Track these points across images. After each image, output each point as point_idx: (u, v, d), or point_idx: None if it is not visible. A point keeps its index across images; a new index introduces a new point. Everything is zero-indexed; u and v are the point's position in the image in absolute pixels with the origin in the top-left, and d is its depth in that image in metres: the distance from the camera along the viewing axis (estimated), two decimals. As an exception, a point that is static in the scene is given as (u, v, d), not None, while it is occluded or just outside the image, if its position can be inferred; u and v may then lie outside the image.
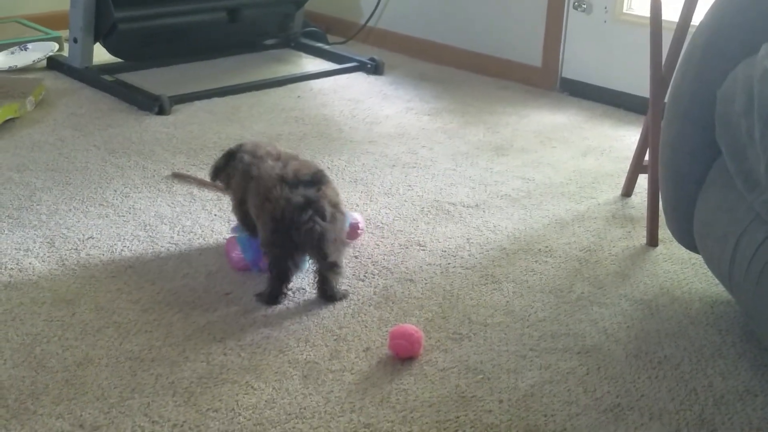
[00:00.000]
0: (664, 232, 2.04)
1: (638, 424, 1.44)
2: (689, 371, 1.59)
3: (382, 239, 2.06)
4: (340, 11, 3.99)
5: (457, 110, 3.05)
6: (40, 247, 1.96)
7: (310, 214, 1.67)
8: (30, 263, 1.89)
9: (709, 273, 1.89)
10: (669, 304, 1.82)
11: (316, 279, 1.78)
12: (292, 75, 3.31)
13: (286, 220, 1.68)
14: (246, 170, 1.84)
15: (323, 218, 1.68)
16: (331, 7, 4.01)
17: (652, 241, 2.08)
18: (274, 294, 1.76)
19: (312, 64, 3.53)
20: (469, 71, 3.51)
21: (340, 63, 3.48)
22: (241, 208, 1.88)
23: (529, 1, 3.29)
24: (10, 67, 3.23)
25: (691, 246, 1.80)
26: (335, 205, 1.74)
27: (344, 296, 1.79)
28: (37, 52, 3.34)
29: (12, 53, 3.33)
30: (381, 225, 2.14)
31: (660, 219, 2.03)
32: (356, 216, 2.02)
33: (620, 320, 1.75)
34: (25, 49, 3.36)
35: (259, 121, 2.84)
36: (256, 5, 3.49)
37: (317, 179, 1.75)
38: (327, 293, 1.77)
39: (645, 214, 2.14)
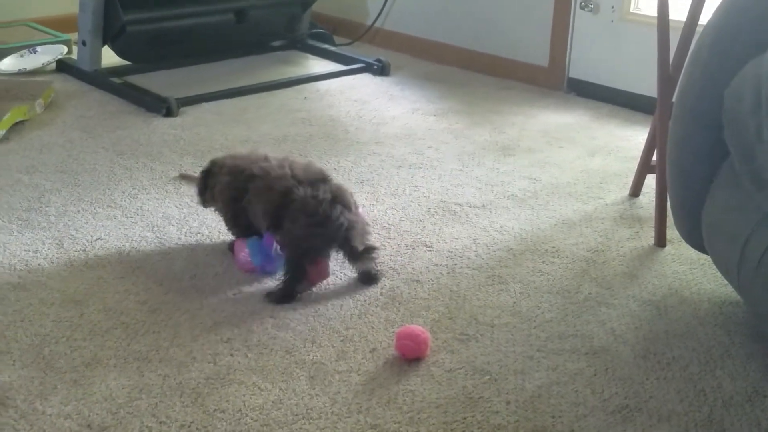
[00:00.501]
0: (672, 232, 2.03)
1: (646, 425, 1.44)
2: (698, 372, 1.58)
3: (389, 240, 2.06)
4: (346, 12, 4.00)
5: (463, 110, 3.05)
6: (48, 249, 1.97)
7: (340, 209, 1.75)
8: (39, 264, 1.90)
9: (718, 273, 1.88)
10: (677, 304, 1.81)
11: (353, 267, 1.84)
12: (298, 76, 3.31)
13: (320, 216, 1.74)
14: (238, 169, 1.87)
15: (349, 210, 1.78)
16: (338, 8, 4.02)
17: (660, 241, 2.07)
18: (288, 293, 1.77)
19: (318, 65, 3.53)
20: (475, 71, 3.51)
21: (346, 64, 3.48)
22: (234, 206, 1.89)
23: (536, 1, 3.29)
24: (19, 70, 3.25)
25: (700, 246, 1.79)
26: (352, 195, 1.83)
27: (382, 276, 1.87)
28: (47, 55, 3.35)
29: (21, 56, 3.35)
30: (387, 226, 2.14)
31: (668, 219, 2.02)
32: None
33: (628, 321, 1.75)
34: (35, 52, 3.38)
35: (266, 123, 2.85)
36: (262, 7, 3.50)
37: (326, 176, 1.83)
38: (367, 277, 1.84)
39: (653, 215, 2.14)
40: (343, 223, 1.74)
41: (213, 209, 2.02)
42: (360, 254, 1.78)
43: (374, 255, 1.81)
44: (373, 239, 2.00)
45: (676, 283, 1.90)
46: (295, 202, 1.75)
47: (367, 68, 3.44)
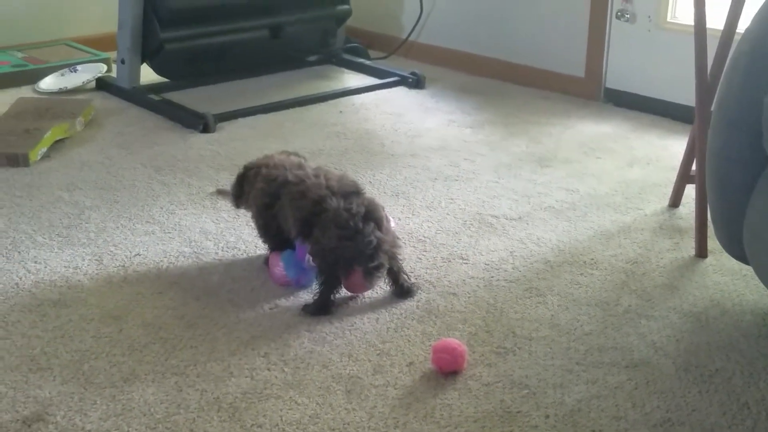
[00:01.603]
0: (713, 242, 1.99)
1: (689, 439, 1.41)
2: (741, 385, 1.55)
3: (425, 253, 2.06)
4: (381, 27, 4.01)
5: (499, 122, 3.03)
6: (88, 265, 2.00)
7: (372, 226, 1.75)
8: (79, 281, 1.93)
9: (761, 284, 1.85)
10: (719, 316, 1.78)
11: (389, 281, 1.84)
12: (334, 90, 3.33)
13: (351, 229, 1.73)
14: (272, 177, 1.89)
15: (380, 227, 1.77)
16: (373, 22, 4.03)
17: (701, 252, 2.04)
18: (323, 303, 1.77)
19: (354, 79, 3.55)
20: (510, 83, 3.49)
21: (381, 78, 3.49)
22: (266, 214, 1.90)
23: (571, 12, 3.27)
24: (60, 88, 3.31)
25: (741, 257, 1.76)
26: (383, 209, 1.82)
27: (417, 289, 1.88)
28: (87, 74, 3.41)
29: (62, 75, 3.42)
30: (423, 239, 2.13)
31: (709, 229, 1.99)
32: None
33: (669, 333, 1.72)
34: (75, 71, 3.44)
35: (302, 137, 2.87)
36: (297, 22, 3.53)
37: (359, 189, 1.82)
38: (402, 290, 1.85)
39: (693, 225, 2.10)
40: (372, 241, 1.73)
41: (249, 215, 2.04)
42: (370, 270, 1.75)
43: (380, 273, 1.77)
44: (404, 251, 2.00)
45: (717, 294, 1.87)
46: (328, 213, 1.75)
47: (402, 81, 3.45)
